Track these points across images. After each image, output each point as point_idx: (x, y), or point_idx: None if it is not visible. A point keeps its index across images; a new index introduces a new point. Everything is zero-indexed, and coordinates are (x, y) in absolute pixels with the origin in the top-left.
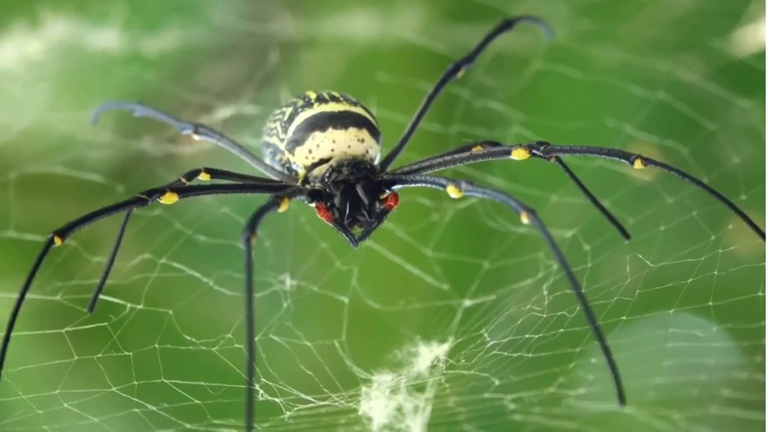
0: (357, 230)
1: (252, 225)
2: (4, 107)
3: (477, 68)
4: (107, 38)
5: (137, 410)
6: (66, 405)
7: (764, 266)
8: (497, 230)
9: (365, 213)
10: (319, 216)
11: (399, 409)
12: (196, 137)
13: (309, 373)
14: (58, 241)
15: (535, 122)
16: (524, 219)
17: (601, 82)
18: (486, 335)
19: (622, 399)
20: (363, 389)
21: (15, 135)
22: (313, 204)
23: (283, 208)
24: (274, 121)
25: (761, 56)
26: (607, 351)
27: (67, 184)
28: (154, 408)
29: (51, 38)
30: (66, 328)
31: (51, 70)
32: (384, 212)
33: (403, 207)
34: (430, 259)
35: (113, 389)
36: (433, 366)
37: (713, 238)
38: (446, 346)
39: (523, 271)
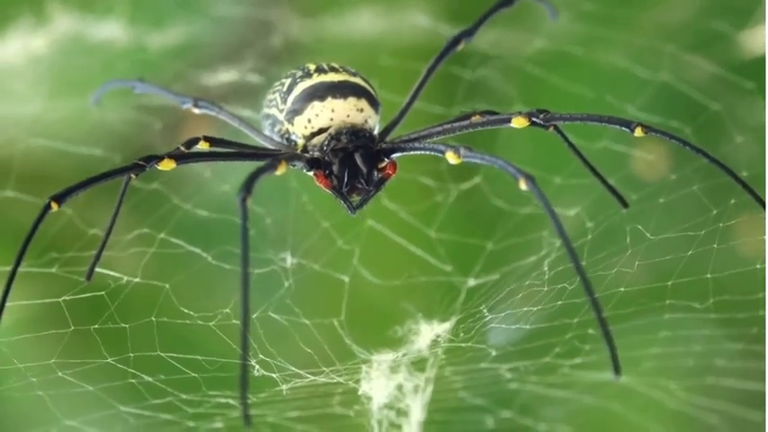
0: (355, 198)
1: (248, 185)
2: (8, 102)
3: (478, 53)
4: (111, 33)
5: (132, 381)
6: (60, 374)
7: (764, 240)
8: (501, 211)
9: (363, 181)
10: (318, 183)
11: (400, 389)
12: (196, 110)
13: (308, 350)
14: (54, 206)
15: (537, 106)
16: (522, 185)
17: (604, 66)
18: (485, 310)
19: (617, 370)
20: (363, 368)
21: (17, 125)
22: (311, 172)
23: (280, 171)
24: (273, 93)
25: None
26: (603, 322)
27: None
28: (150, 379)
29: (56, 33)
30: (64, 297)
31: (55, 65)
32: (382, 180)
33: (406, 187)
34: (433, 240)
35: (109, 359)
36: (434, 344)
37: (714, 212)
38: (447, 325)
39: (527, 250)
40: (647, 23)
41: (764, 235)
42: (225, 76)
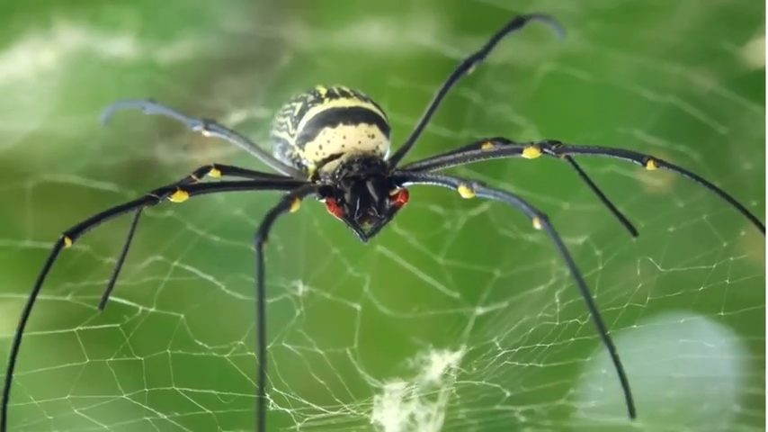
0: (367, 226)
1: (264, 230)
2: (17, 116)
3: (487, 73)
4: (120, 46)
5: (147, 419)
6: (76, 411)
7: None
8: (509, 238)
9: (375, 209)
10: (329, 211)
11: (412, 418)
12: (206, 133)
13: (321, 382)
14: (68, 242)
15: (545, 128)
16: (536, 224)
17: (611, 86)
18: (497, 344)
19: (632, 412)
20: (375, 397)
21: (28, 140)
22: (323, 200)
23: (295, 208)
24: (284, 116)
25: None
26: (618, 363)
27: (81, 192)
28: (164, 416)
29: (64, 47)
30: (78, 327)
31: (64, 79)
32: (394, 209)
33: (415, 214)
34: (441, 267)
35: (124, 395)
36: (446, 375)
37: (725, 245)
38: (458, 355)
39: (535, 278)
40: (650, 39)
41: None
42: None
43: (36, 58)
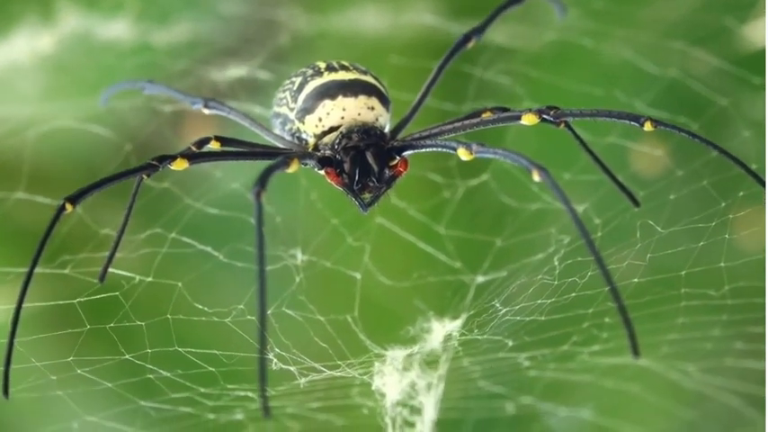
0: (366, 196)
1: (262, 180)
2: (14, 100)
3: (487, 52)
4: (118, 30)
5: (150, 377)
6: (79, 371)
7: None
8: (509, 207)
9: (374, 179)
10: (329, 181)
11: (412, 386)
12: (206, 111)
13: (324, 345)
14: (69, 208)
15: (546, 102)
16: (536, 176)
17: (612, 61)
18: (497, 304)
19: (636, 351)
20: (377, 365)
21: (25, 125)
22: (323, 171)
23: (292, 168)
24: (284, 91)
25: None
26: (619, 299)
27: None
28: (168, 374)
29: (63, 31)
30: (78, 299)
31: (62, 64)
32: (393, 178)
33: (414, 184)
34: (442, 237)
35: (127, 356)
36: (446, 341)
37: (723, 204)
38: (459, 322)
39: (536, 246)
40: (651, 18)
41: None
42: (233, 72)
43: (34, 43)
